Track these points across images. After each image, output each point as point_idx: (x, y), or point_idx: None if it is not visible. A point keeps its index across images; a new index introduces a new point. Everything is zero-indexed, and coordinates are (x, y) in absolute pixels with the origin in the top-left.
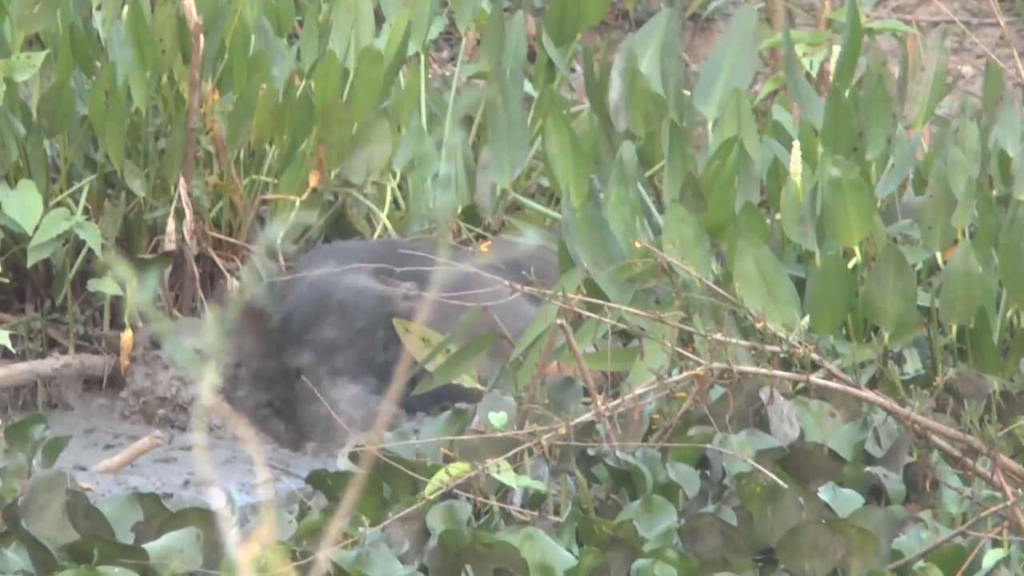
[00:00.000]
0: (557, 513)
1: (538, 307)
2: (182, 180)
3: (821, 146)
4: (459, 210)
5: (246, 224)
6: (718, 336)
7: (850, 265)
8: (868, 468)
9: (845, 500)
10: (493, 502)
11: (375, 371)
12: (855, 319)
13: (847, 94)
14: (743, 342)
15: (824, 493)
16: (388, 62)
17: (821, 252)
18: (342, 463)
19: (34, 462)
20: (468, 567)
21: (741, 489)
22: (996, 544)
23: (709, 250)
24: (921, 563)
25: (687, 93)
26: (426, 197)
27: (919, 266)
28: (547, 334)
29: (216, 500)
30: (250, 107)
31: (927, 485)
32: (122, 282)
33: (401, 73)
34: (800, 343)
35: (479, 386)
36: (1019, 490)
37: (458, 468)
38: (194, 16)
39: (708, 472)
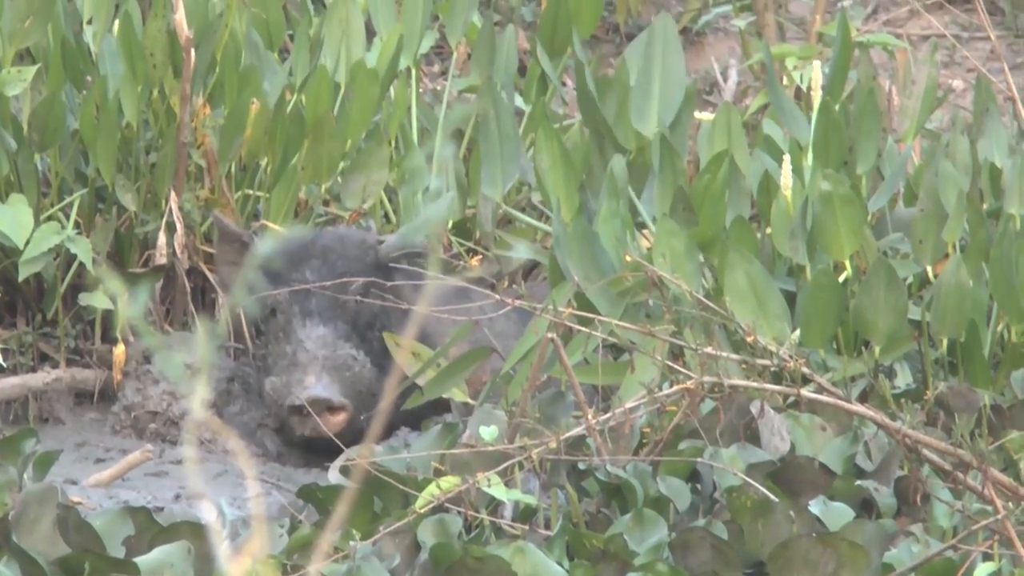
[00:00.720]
0: (548, 527)
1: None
2: (173, 194)
3: (812, 160)
4: (450, 224)
5: None
6: (709, 350)
7: (841, 279)
8: (859, 482)
9: (836, 514)
10: (484, 516)
11: (346, 316)
12: (846, 333)
13: (838, 108)
14: (734, 356)
15: (815, 507)
16: (379, 76)
17: (812, 266)
18: (333, 477)
19: (25, 476)
20: None
21: (732, 503)
22: (987, 557)
23: (700, 264)
24: None
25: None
26: (416, 211)
27: (910, 280)
28: (538, 348)
29: (207, 514)
30: (241, 121)
31: (918, 499)
32: (113, 296)
33: (392, 87)
34: (791, 357)
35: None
36: (1010, 503)
37: (449, 482)
38: (185, 30)
39: (699, 486)
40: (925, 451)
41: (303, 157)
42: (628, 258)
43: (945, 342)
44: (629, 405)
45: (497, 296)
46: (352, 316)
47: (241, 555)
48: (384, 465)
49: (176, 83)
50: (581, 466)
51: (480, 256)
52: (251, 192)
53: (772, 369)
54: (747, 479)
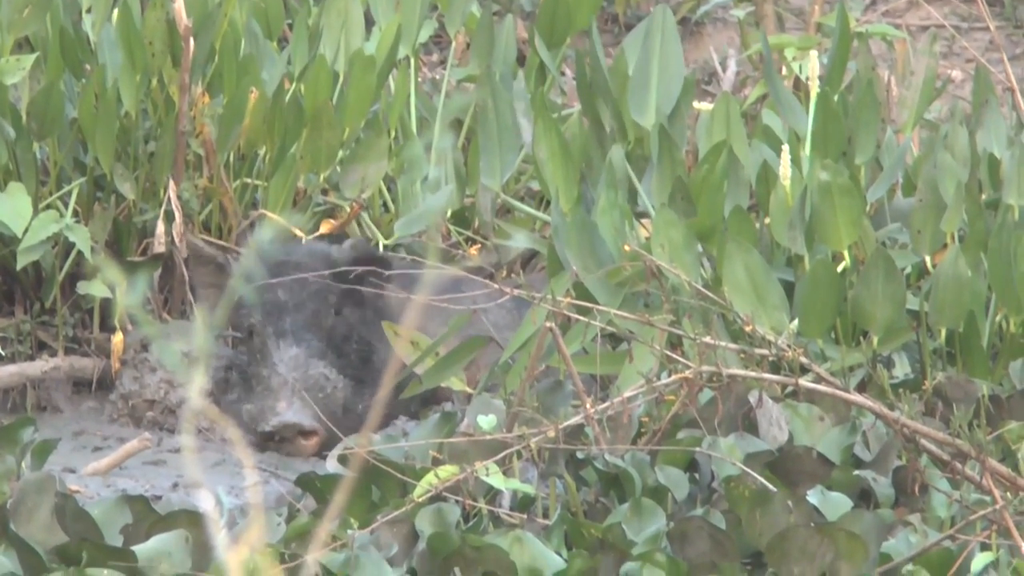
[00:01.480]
0: (546, 516)
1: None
2: (172, 183)
3: (810, 150)
4: (448, 213)
5: (236, 227)
6: (707, 340)
7: (839, 269)
8: (857, 472)
9: (834, 504)
10: (482, 505)
11: (321, 334)
12: (844, 323)
13: (836, 98)
14: (732, 346)
15: (813, 497)
16: (378, 66)
17: (810, 256)
18: (331, 466)
19: (23, 464)
20: (457, 570)
21: (730, 492)
22: (985, 548)
23: (698, 254)
24: (910, 567)
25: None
26: (415, 200)
27: (908, 270)
28: (536, 337)
29: (205, 502)
30: (240, 110)
31: (916, 489)
32: (112, 285)
33: (391, 76)
34: (789, 347)
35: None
36: (1008, 494)
37: (447, 471)
38: (184, 19)
39: (697, 475)
40: (923, 441)
41: (302, 146)
42: (627, 248)
43: (943, 332)
44: (627, 394)
45: (495, 285)
46: (327, 332)
47: (239, 544)
48: (382, 454)
49: (175, 72)
50: (579, 455)
51: (479, 245)
52: (250, 181)
53: (770, 359)
54: (745, 469)
